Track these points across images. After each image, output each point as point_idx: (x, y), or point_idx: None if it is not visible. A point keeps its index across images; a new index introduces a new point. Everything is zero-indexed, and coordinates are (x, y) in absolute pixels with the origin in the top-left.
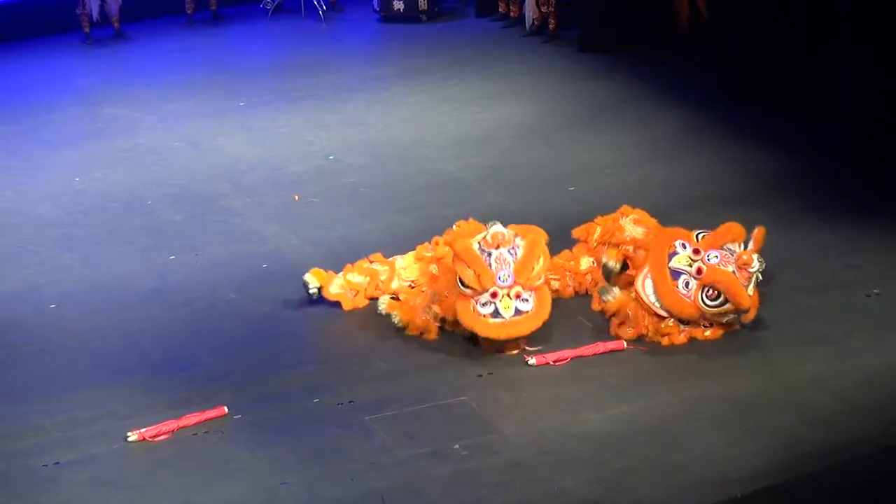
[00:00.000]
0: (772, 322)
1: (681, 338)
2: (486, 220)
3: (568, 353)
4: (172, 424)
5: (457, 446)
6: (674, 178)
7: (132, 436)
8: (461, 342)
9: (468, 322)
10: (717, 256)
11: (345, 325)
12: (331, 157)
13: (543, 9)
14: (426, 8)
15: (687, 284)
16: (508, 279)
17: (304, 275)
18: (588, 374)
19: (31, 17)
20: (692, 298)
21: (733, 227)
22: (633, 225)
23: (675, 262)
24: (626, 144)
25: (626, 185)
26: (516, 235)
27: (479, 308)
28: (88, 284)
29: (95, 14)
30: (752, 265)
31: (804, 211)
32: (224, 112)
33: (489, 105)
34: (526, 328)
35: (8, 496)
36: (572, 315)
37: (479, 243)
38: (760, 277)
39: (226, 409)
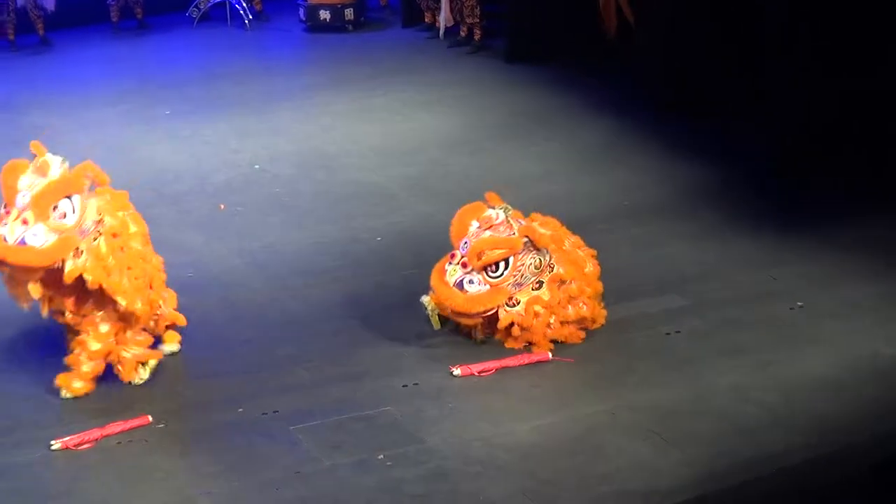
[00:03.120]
0: (695, 332)
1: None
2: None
3: (493, 364)
4: (96, 433)
5: (381, 456)
6: (600, 189)
7: (56, 444)
8: (386, 352)
9: None
10: (466, 242)
11: (268, 335)
12: (256, 167)
13: (469, 20)
14: (352, 18)
15: (472, 282)
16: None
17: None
18: (513, 384)
19: None
20: (489, 285)
21: None
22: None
23: (450, 277)
24: (552, 154)
25: (552, 195)
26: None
27: None
28: None
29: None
30: (496, 216)
31: (729, 221)
32: (150, 121)
33: (415, 115)
34: (27, 257)
35: None
36: None
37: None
38: (510, 209)
39: (149, 417)
